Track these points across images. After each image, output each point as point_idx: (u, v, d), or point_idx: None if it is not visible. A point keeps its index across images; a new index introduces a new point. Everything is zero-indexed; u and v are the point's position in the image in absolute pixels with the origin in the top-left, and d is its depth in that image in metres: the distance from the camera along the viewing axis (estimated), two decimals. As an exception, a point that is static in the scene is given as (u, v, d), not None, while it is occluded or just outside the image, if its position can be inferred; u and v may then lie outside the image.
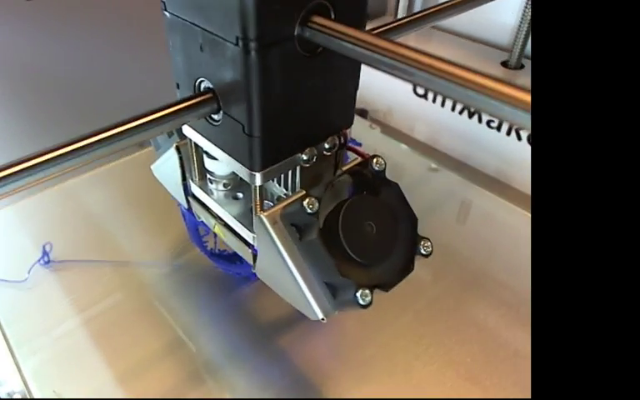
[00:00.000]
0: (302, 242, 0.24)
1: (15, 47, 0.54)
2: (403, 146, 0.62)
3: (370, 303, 0.23)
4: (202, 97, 0.24)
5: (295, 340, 0.39)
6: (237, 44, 0.21)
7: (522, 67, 0.56)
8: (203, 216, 0.32)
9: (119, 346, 0.38)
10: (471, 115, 0.58)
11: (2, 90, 0.55)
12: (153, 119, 0.22)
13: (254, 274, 0.43)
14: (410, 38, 0.63)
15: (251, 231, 0.28)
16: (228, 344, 0.39)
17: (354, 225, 0.23)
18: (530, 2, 0.53)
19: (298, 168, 0.26)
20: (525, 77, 0.54)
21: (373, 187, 0.25)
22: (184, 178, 0.32)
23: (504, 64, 0.56)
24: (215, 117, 0.25)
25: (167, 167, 0.32)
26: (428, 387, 0.36)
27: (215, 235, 0.42)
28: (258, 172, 0.24)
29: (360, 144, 0.45)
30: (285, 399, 0.35)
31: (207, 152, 0.29)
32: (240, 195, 0.30)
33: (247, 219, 0.28)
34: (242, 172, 0.25)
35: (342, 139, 0.27)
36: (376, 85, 0.69)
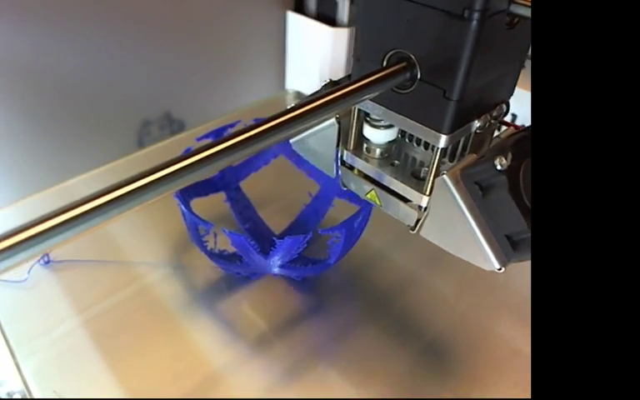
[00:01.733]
0: (485, 198, 0.26)
1: (15, 47, 0.54)
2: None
3: None
4: (398, 66, 0.26)
5: (295, 340, 0.39)
6: (462, 15, 0.23)
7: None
8: (354, 183, 0.34)
9: (119, 346, 0.38)
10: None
11: (2, 89, 0.55)
12: (356, 89, 0.24)
13: (254, 274, 0.44)
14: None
15: (419, 191, 0.30)
16: (228, 344, 0.39)
17: (530, 183, 0.26)
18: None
19: (470, 135, 0.29)
20: (524, 77, 0.54)
21: None
22: (339, 148, 0.33)
23: (504, 64, 0.56)
24: (403, 85, 0.27)
25: (316, 138, 0.34)
26: (428, 386, 0.36)
27: (215, 235, 0.42)
28: (446, 134, 0.27)
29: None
30: (285, 399, 0.35)
31: (368, 121, 0.31)
32: (396, 162, 0.32)
33: (412, 181, 0.30)
34: (427, 136, 0.28)
35: (505, 108, 0.30)
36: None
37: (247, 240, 0.37)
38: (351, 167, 0.33)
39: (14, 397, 0.36)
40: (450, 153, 0.30)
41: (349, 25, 0.69)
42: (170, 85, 0.70)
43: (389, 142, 0.32)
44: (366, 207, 0.40)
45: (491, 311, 0.42)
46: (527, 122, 0.53)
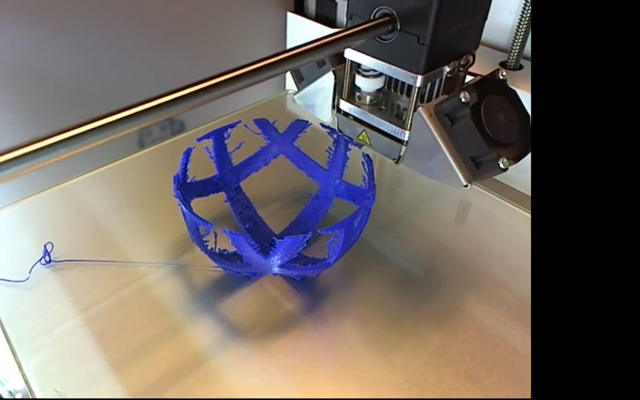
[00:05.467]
0: (453, 127, 0.32)
1: (17, 48, 0.54)
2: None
3: (507, 168, 0.32)
4: (382, 20, 0.32)
5: (295, 339, 0.39)
6: None
7: (521, 67, 0.56)
8: (348, 128, 0.40)
9: (120, 345, 0.38)
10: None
11: (3, 90, 0.55)
12: (347, 35, 0.30)
13: (254, 274, 0.44)
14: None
15: (401, 128, 0.36)
16: (229, 344, 0.39)
17: (491, 115, 0.32)
18: (528, 4, 0.53)
19: (442, 79, 0.35)
20: (524, 78, 0.54)
21: (499, 91, 0.34)
22: (334, 98, 0.39)
23: (503, 65, 0.57)
24: (385, 36, 0.33)
25: (315, 91, 0.40)
26: (427, 385, 0.36)
27: (215, 235, 0.43)
28: (421, 74, 0.33)
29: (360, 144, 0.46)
30: (285, 399, 0.36)
31: (360, 72, 0.37)
32: (384, 107, 0.38)
33: (397, 121, 0.36)
34: (406, 78, 0.33)
35: (471, 59, 0.36)
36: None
37: (247, 240, 0.37)
38: (346, 114, 0.39)
39: (16, 396, 0.36)
40: (427, 98, 0.36)
41: (349, 26, 0.69)
42: (170, 86, 0.70)
43: (377, 90, 0.37)
44: (365, 206, 0.41)
45: (489, 310, 0.42)
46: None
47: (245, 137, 0.49)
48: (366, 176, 0.44)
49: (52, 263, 0.44)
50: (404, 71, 0.33)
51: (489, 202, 0.55)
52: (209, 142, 0.48)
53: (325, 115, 0.41)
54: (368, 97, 0.38)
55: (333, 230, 0.37)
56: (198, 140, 0.46)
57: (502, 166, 0.31)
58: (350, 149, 0.47)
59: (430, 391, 0.36)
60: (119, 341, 0.39)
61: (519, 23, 0.54)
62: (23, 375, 0.36)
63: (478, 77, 0.35)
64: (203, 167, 0.48)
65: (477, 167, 0.32)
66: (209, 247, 0.41)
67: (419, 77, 0.33)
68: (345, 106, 0.39)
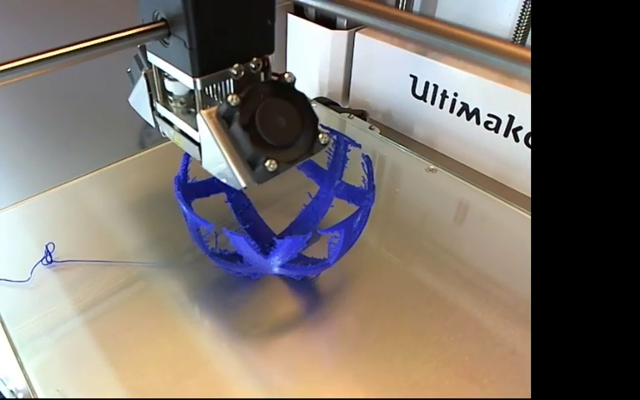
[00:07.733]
0: (230, 129, 0.32)
1: (17, 47, 0.54)
2: (402, 147, 0.63)
3: (276, 171, 0.31)
4: (155, 25, 0.32)
5: (295, 339, 0.40)
6: None
7: (520, 68, 0.56)
8: (167, 130, 0.39)
9: (121, 345, 0.38)
10: (469, 116, 0.58)
11: (4, 90, 0.55)
12: (119, 38, 0.31)
13: (255, 274, 0.44)
14: (408, 43, 0.63)
15: (195, 129, 0.35)
16: (229, 344, 0.39)
17: (269, 118, 0.31)
18: (527, 4, 0.53)
19: (231, 81, 0.34)
20: (523, 82, 0.54)
21: (285, 94, 0.33)
22: (151, 101, 0.39)
23: (502, 66, 0.57)
24: (167, 40, 0.33)
25: (139, 94, 0.39)
26: (427, 385, 0.37)
27: (216, 235, 0.43)
28: (198, 77, 0.32)
29: (360, 145, 0.46)
30: (285, 399, 0.36)
31: (166, 76, 0.36)
32: (192, 110, 0.37)
33: (195, 124, 0.36)
34: (187, 81, 0.32)
35: (265, 63, 0.35)
36: (375, 87, 0.69)
37: (248, 240, 0.37)
38: (164, 118, 0.39)
39: (18, 395, 0.36)
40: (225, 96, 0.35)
41: (348, 28, 0.70)
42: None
43: (189, 93, 0.37)
44: (365, 207, 0.41)
45: (488, 310, 0.42)
46: (526, 124, 0.53)
47: (245, 138, 0.50)
48: (365, 177, 0.44)
49: (53, 264, 0.45)
50: (184, 74, 0.33)
51: (488, 203, 0.55)
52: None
53: (149, 117, 0.40)
54: (180, 101, 0.37)
55: (333, 230, 0.38)
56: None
57: (269, 169, 0.30)
58: (350, 150, 0.48)
59: (429, 390, 0.36)
60: (120, 341, 0.39)
61: (519, 24, 0.54)
62: (25, 375, 0.37)
63: (263, 81, 0.34)
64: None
65: (253, 169, 0.32)
66: (210, 248, 0.42)
67: (197, 80, 0.32)
68: (160, 109, 0.39)
